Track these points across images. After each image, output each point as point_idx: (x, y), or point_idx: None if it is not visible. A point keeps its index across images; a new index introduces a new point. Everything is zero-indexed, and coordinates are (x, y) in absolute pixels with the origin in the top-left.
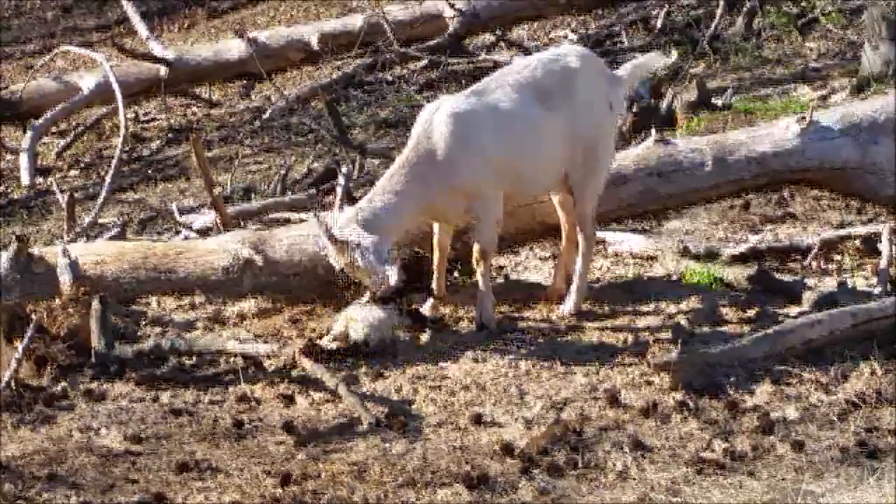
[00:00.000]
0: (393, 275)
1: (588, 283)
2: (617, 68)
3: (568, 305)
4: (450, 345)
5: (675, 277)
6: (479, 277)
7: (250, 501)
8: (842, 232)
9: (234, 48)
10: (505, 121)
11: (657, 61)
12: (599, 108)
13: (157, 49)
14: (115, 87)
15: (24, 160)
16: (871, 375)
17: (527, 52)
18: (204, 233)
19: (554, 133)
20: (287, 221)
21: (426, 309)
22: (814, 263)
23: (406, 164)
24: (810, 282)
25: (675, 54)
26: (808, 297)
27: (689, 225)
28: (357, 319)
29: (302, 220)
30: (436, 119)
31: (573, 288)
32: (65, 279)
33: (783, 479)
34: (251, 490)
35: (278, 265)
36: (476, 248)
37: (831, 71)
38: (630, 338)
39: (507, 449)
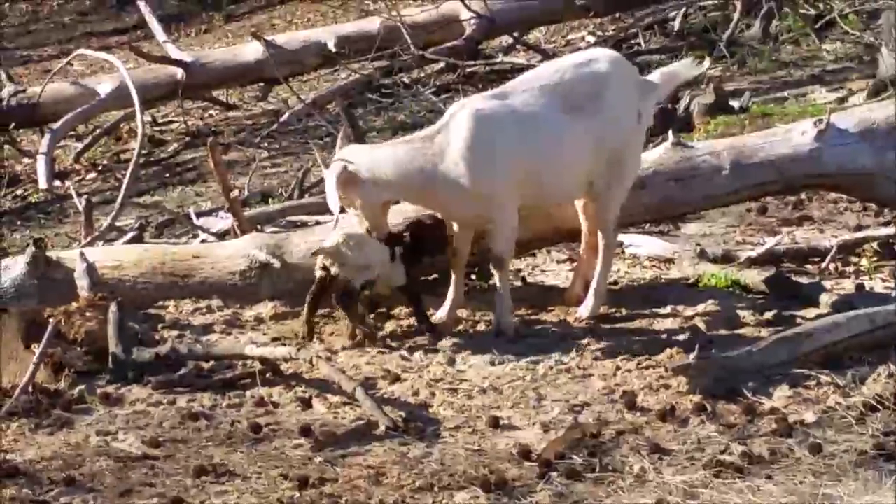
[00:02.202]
0: (335, 210)
1: (606, 288)
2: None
3: (585, 309)
4: (467, 349)
5: (692, 281)
6: (497, 283)
7: None
8: (859, 235)
9: (251, 52)
10: (528, 125)
11: (690, 70)
12: (628, 115)
13: (174, 52)
14: (133, 90)
15: (41, 164)
16: (888, 379)
17: (544, 54)
18: (221, 236)
19: (580, 140)
20: (304, 225)
21: (442, 315)
22: (831, 266)
23: (415, 144)
24: (828, 285)
25: (707, 63)
26: (826, 301)
27: (706, 228)
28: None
29: (319, 224)
30: (458, 118)
31: (591, 292)
32: (82, 284)
33: (801, 483)
34: (269, 494)
35: (296, 270)
36: (492, 255)
37: (848, 74)
38: (647, 341)
39: (525, 453)
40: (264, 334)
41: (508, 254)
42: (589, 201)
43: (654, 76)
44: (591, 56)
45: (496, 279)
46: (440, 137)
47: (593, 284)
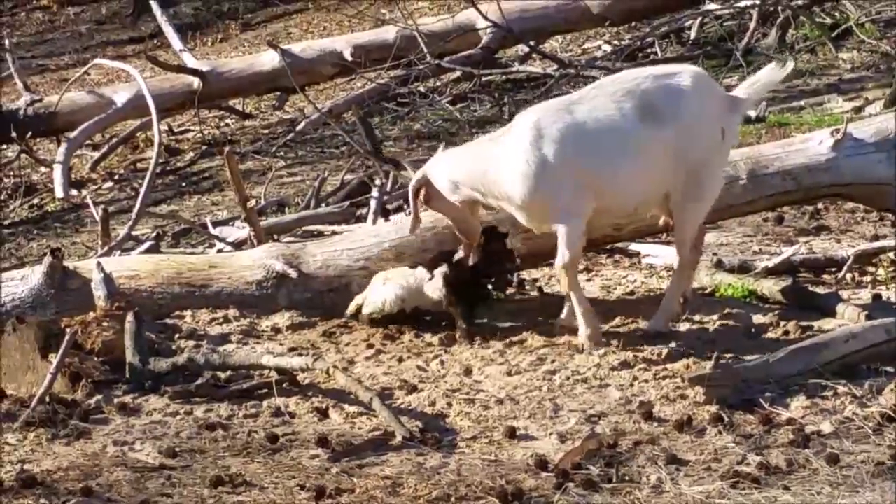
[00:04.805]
0: (412, 215)
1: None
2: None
3: (652, 324)
4: (483, 358)
5: (708, 291)
6: (570, 295)
7: None
8: (876, 245)
9: (267, 61)
10: (593, 135)
11: (775, 75)
12: (709, 132)
13: (190, 61)
14: (149, 100)
15: (58, 173)
16: None
17: (560, 63)
18: (238, 246)
19: (652, 149)
20: (321, 235)
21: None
22: (848, 276)
23: (483, 146)
24: (845, 295)
25: (791, 64)
26: (843, 311)
27: (723, 238)
28: (369, 296)
29: (335, 234)
30: (518, 128)
31: (660, 308)
32: (99, 294)
33: (818, 494)
34: None
35: (313, 280)
36: (556, 265)
37: (865, 83)
38: (664, 351)
39: (542, 463)
40: (281, 344)
41: (572, 266)
42: (666, 216)
43: (741, 90)
44: (673, 69)
45: (566, 291)
46: (505, 142)
47: (664, 300)
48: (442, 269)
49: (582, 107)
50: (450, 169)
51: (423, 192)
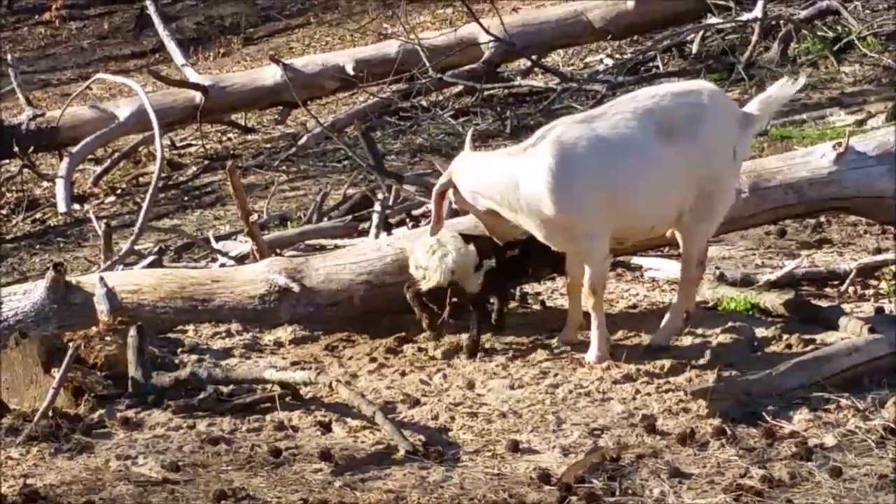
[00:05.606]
0: (433, 217)
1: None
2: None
3: (656, 338)
4: (486, 372)
5: (711, 304)
6: (591, 312)
7: None
8: (879, 258)
9: (269, 75)
10: (613, 152)
11: (787, 90)
12: (723, 150)
13: (192, 76)
14: (152, 114)
15: (60, 188)
16: None
17: (563, 77)
18: (240, 260)
19: (670, 168)
20: (323, 248)
21: (566, 336)
22: (851, 290)
23: (503, 158)
24: (847, 308)
25: (802, 79)
26: (845, 324)
27: (725, 251)
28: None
29: (337, 248)
30: (542, 144)
31: (664, 322)
32: (102, 308)
33: None
34: None
35: (315, 294)
36: (585, 284)
37: (867, 96)
38: (667, 365)
39: (545, 477)
40: (284, 358)
41: (601, 282)
42: (677, 232)
43: (752, 107)
44: (691, 87)
45: (590, 309)
46: (526, 158)
47: (668, 315)
48: (490, 263)
49: (603, 123)
50: (470, 180)
51: (448, 194)
